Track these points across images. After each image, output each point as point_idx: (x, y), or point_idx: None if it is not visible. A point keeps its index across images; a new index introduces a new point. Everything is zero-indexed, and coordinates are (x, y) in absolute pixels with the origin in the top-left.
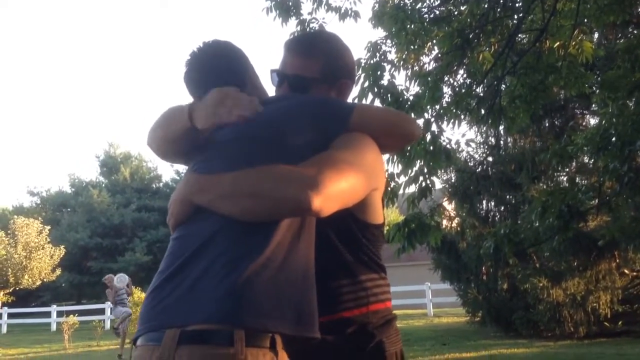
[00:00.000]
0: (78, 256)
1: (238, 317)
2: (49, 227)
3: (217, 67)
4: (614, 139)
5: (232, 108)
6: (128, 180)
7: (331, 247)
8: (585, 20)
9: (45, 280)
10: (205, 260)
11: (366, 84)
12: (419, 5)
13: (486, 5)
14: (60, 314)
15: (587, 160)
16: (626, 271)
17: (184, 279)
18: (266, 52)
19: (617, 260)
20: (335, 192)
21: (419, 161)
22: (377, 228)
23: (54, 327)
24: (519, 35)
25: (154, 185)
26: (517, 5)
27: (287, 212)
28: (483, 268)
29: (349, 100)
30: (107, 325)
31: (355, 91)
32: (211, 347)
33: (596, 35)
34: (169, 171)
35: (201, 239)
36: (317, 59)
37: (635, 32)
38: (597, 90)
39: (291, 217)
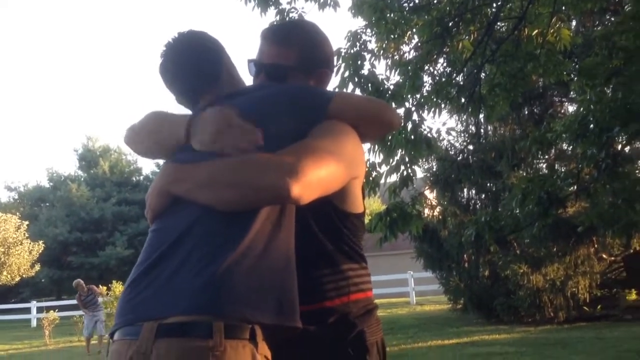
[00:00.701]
0: (57, 251)
1: (217, 308)
2: (27, 223)
3: (193, 57)
4: (592, 125)
5: (236, 139)
6: (107, 173)
7: (312, 237)
8: (563, 7)
9: (24, 276)
10: (184, 251)
11: (346, 73)
12: None
13: None
14: (40, 309)
15: (566, 147)
16: (604, 256)
17: (162, 271)
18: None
19: (596, 246)
20: (314, 180)
21: (400, 150)
22: (358, 217)
23: (34, 323)
24: (498, 23)
25: (134, 179)
26: None
27: (266, 200)
28: (464, 256)
29: (329, 89)
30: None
31: (335, 81)
32: (189, 340)
33: (574, 22)
34: (149, 164)
35: (179, 231)
36: (294, 48)
37: (612, 19)
38: (575, 78)
39: (270, 205)
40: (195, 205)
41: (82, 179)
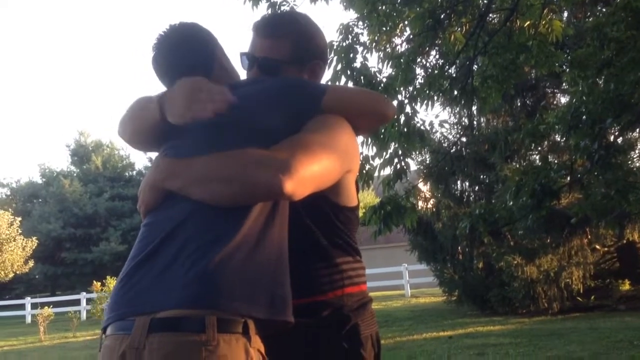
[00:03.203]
0: (51, 247)
1: (209, 302)
2: (20, 219)
3: (185, 50)
4: (584, 117)
5: (206, 103)
6: (100, 169)
7: (306, 231)
8: None
9: (18, 272)
10: (176, 246)
11: (339, 66)
12: None
13: None
14: (34, 306)
15: (558, 139)
16: (597, 247)
17: (155, 265)
18: None
19: (589, 237)
20: (308, 175)
21: (393, 143)
22: (351, 211)
23: (28, 319)
24: (490, 15)
25: (127, 174)
26: None
27: (259, 196)
28: (459, 248)
29: (322, 82)
30: (83, 316)
31: (328, 74)
32: (182, 334)
33: (565, 14)
34: (141, 159)
35: (172, 225)
36: (286, 40)
37: (604, 10)
38: (567, 69)
39: (264, 201)
40: (188, 200)
41: (75, 175)
